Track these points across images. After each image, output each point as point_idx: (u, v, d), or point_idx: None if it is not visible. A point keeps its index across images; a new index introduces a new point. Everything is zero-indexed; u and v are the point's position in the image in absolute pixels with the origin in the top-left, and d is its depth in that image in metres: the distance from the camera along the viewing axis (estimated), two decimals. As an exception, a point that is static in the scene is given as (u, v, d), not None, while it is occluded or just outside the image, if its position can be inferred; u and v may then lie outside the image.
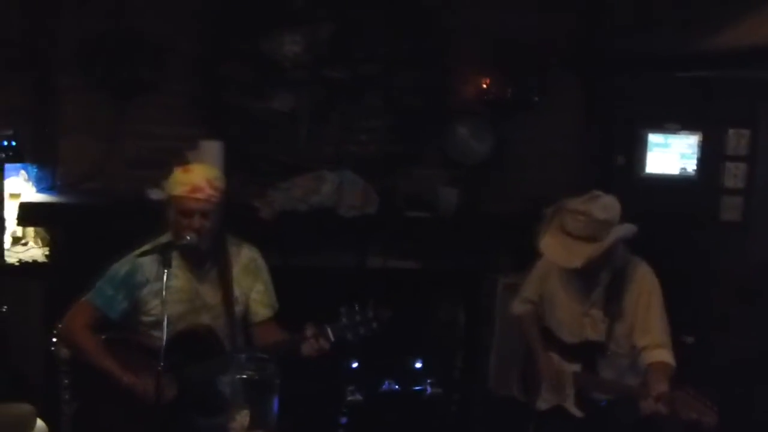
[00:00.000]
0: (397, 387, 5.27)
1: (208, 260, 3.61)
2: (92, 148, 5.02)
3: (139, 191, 4.86)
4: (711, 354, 5.67)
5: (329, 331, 3.38)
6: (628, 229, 3.66)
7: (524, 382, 4.07)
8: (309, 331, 3.40)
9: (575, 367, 3.80)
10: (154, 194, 4.77)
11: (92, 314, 3.57)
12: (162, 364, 3.05)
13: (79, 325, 3.55)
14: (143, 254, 3.46)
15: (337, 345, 3.41)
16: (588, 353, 3.79)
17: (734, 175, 6.11)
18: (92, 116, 5.01)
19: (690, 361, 5.53)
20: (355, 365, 5.25)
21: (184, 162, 4.73)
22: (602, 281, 3.76)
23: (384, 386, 5.26)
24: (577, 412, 3.77)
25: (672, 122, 5.93)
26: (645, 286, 3.73)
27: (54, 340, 3.65)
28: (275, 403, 3.20)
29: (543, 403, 3.90)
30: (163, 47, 4.98)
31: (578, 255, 3.59)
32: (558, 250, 3.68)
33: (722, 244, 6.01)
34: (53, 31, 4.93)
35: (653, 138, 5.89)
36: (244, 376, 3.09)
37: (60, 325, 3.62)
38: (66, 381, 3.61)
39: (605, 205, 3.64)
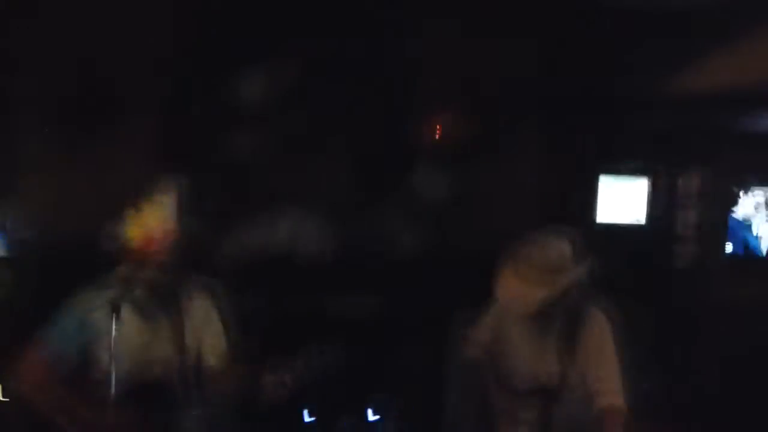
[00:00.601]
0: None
1: (160, 310, 3.54)
2: (51, 189, 4.96)
3: (98, 233, 4.80)
4: (670, 398, 5.73)
5: (286, 372, 3.34)
6: (580, 272, 3.68)
7: (479, 426, 4.05)
8: (267, 376, 3.37)
9: (529, 415, 3.79)
10: (109, 240, 4.70)
11: (42, 368, 3.46)
12: (114, 419, 3.00)
13: (32, 380, 3.43)
14: (92, 309, 3.38)
15: (294, 386, 3.37)
16: (542, 400, 3.78)
17: (686, 219, 6.23)
18: (52, 156, 4.97)
19: (648, 407, 5.62)
20: (310, 419, 5.20)
21: (140, 207, 4.71)
22: (556, 326, 3.73)
23: (344, 425, 5.22)
24: None
25: (625, 166, 6.02)
26: (597, 330, 3.68)
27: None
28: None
29: None
30: (123, 90, 4.97)
31: (532, 300, 3.58)
32: (512, 295, 3.66)
33: (678, 286, 6.10)
34: (12, 71, 4.90)
35: (607, 181, 5.98)
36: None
37: (15, 379, 3.52)
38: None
39: (558, 249, 3.64)
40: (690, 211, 6.24)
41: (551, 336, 3.74)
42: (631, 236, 6.03)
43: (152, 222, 3.49)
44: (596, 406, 3.60)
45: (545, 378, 3.75)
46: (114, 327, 3.10)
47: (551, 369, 3.73)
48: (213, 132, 5.18)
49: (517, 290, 3.63)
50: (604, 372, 3.63)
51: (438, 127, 5.54)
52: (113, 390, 3.03)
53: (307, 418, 5.15)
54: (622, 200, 6.04)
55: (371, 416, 5.40)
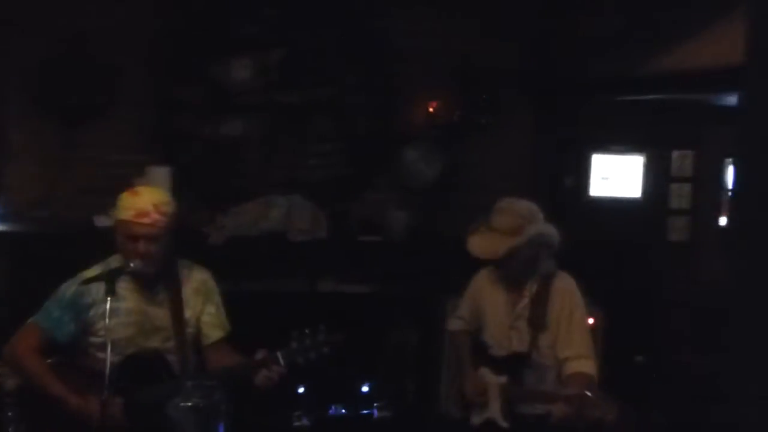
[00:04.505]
0: (344, 411, 5.26)
1: (158, 283, 3.57)
2: (40, 174, 4.98)
3: (87, 218, 4.82)
4: (661, 373, 5.75)
5: (279, 356, 3.37)
6: (549, 228, 3.77)
7: (462, 398, 4.12)
8: (259, 356, 3.39)
9: (502, 380, 3.85)
10: (101, 221, 4.74)
11: (39, 336, 3.50)
12: (106, 390, 3.02)
13: (26, 347, 3.48)
14: (90, 281, 3.42)
15: (287, 369, 3.39)
16: (514, 365, 3.86)
17: (679, 195, 6.23)
18: (40, 142, 4.98)
19: (641, 381, 5.64)
20: (301, 390, 5.23)
21: (133, 188, 4.72)
22: (527, 293, 3.86)
23: (331, 411, 5.25)
24: (503, 424, 3.82)
25: (617, 144, 6.02)
26: (567, 298, 3.83)
27: (-1, 371, 3.58)
28: (222, 431, 3.19)
29: (476, 417, 3.95)
30: (112, 73, 4.97)
31: (500, 246, 3.72)
32: (482, 244, 3.81)
33: (670, 264, 6.10)
34: (1, 55, 4.90)
35: (599, 160, 5.98)
36: (190, 404, 3.08)
37: (6, 348, 3.55)
38: (11, 414, 3.53)
39: (528, 205, 3.81)
40: (684, 188, 6.26)
41: (523, 303, 3.87)
42: (626, 213, 6.03)
43: (145, 197, 3.47)
44: (565, 373, 3.73)
45: (517, 344, 3.85)
46: (110, 297, 3.11)
47: (523, 335, 3.84)
48: (202, 114, 5.16)
49: (489, 240, 3.78)
50: (573, 339, 3.77)
51: (430, 106, 5.52)
52: (107, 360, 3.03)
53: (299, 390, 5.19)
54: (616, 178, 6.05)
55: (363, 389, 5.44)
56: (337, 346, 3.39)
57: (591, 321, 5.12)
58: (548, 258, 3.87)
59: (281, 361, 3.35)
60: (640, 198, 6.10)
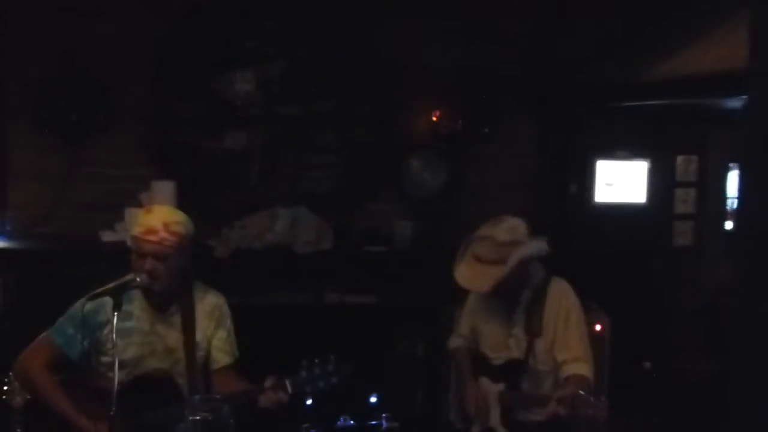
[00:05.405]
0: (352, 422, 5.24)
1: (171, 304, 3.54)
2: (43, 192, 4.97)
3: (92, 234, 4.82)
4: (669, 378, 5.73)
5: (288, 384, 3.36)
6: (533, 248, 3.76)
7: (463, 410, 4.11)
8: (268, 383, 3.38)
9: (500, 387, 3.86)
10: (107, 236, 4.74)
11: (51, 352, 3.47)
12: (114, 409, 3.00)
13: (37, 363, 3.45)
14: (99, 295, 3.39)
15: (294, 397, 3.39)
16: (512, 372, 3.87)
17: (684, 200, 6.22)
18: (42, 160, 4.97)
19: (649, 385, 5.63)
20: (309, 402, 5.20)
21: (137, 203, 4.73)
22: (522, 301, 3.87)
23: (339, 422, 5.23)
24: (503, 431, 3.82)
25: (622, 150, 6.02)
26: (562, 302, 3.83)
27: (5, 388, 3.56)
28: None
29: (476, 427, 3.95)
30: (113, 88, 4.97)
31: (487, 279, 3.70)
32: (469, 276, 3.78)
33: (676, 268, 6.09)
34: (1, 74, 4.90)
35: (604, 166, 5.97)
36: (198, 418, 3.07)
37: (18, 361, 3.53)
38: (19, 431, 3.53)
39: (508, 228, 3.76)
40: (689, 193, 6.26)
41: (519, 311, 3.88)
42: (632, 219, 6.03)
43: (157, 215, 3.46)
44: (562, 375, 3.75)
45: (515, 351, 3.86)
46: (117, 312, 3.10)
47: (520, 342, 3.86)
48: (205, 128, 5.16)
49: (475, 271, 3.75)
50: (569, 342, 3.78)
51: (433, 117, 5.52)
52: (115, 378, 3.02)
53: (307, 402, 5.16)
54: (621, 184, 6.04)
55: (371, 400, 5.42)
56: (346, 376, 3.40)
57: (599, 328, 5.16)
58: (538, 267, 3.89)
59: (289, 389, 3.36)
60: (645, 203, 6.09)
